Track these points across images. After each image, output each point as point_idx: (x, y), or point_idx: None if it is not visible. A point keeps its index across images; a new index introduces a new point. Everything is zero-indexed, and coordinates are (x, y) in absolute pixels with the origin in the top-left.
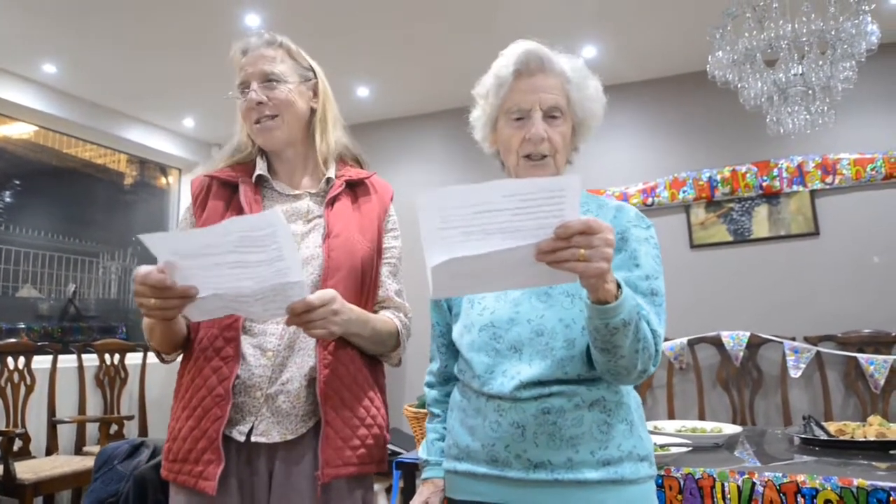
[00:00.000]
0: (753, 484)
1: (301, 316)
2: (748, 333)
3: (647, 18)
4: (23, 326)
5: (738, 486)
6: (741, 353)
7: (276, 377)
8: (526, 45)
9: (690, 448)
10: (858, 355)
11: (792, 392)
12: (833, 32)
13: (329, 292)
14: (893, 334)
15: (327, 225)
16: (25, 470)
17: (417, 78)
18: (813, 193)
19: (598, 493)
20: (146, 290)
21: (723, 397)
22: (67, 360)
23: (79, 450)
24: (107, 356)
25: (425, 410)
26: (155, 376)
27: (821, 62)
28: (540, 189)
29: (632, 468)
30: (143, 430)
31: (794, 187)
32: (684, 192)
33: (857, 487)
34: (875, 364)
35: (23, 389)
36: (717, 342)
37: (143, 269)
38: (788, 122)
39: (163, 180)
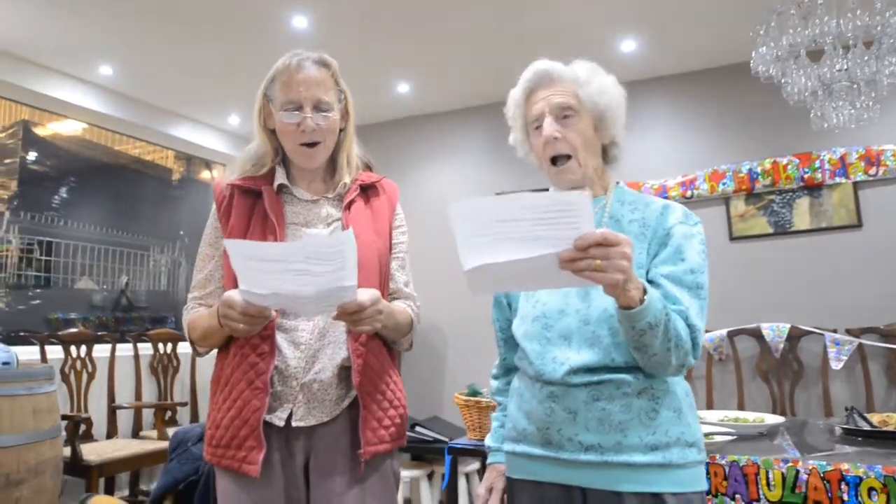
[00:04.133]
0: (797, 472)
1: (352, 315)
2: (788, 325)
3: (686, 12)
4: (79, 317)
5: (783, 474)
6: (781, 345)
7: (309, 367)
8: (535, 65)
9: (735, 437)
10: None
11: (833, 384)
12: (879, 28)
13: (375, 293)
14: None
15: (347, 227)
16: (90, 452)
17: (456, 74)
18: (856, 185)
19: (647, 475)
20: (239, 317)
21: (762, 389)
22: (124, 349)
23: (136, 434)
24: (160, 345)
25: (474, 398)
26: (205, 364)
27: (866, 57)
28: (553, 203)
29: (680, 453)
30: (195, 416)
31: (837, 179)
32: (724, 184)
33: None
34: None
35: (85, 377)
36: (756, 334)
37: (239, 301)
38: (833, 116)
39: (207, 175)
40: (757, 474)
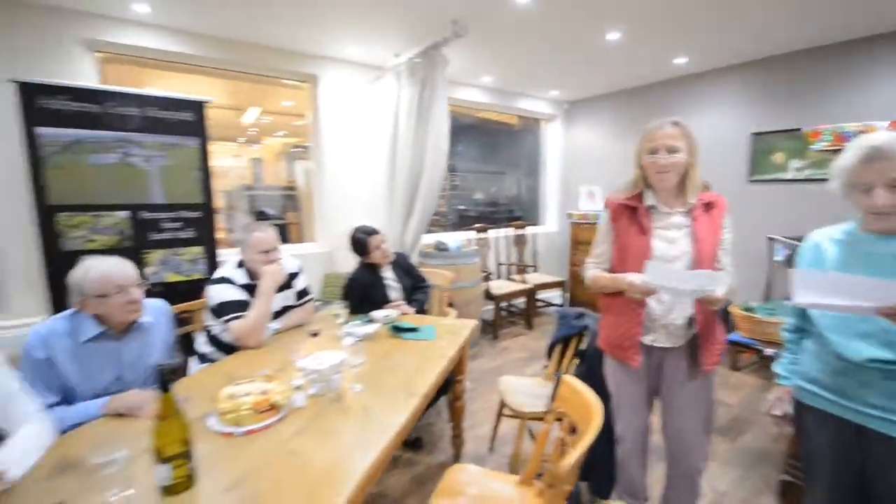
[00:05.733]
0: None
1: (710, 302)
2: None
3: None
4: (470, 209)
5: None
6: None
7: (667, 315)
8: (871, 140)
9: None
10: None
11: None
12: None
13: (725, 288)
14: None
15: (695, 233)
16: (492, 287)
17: (720, 43)
18: None
19: None
20: (638, 291)
21: None
22: (500, 232)
23: (508, 277)
24: (517, 230)
25: (748, 313)
26: (542, 242)
27: None
28: (876, 285)
29: None
30: (536, 269)
31: None
32: None
33: None
34: None
35: (485, 248)
36: None
37: (639, 284)
38: None
39: (535, 125)
40: None
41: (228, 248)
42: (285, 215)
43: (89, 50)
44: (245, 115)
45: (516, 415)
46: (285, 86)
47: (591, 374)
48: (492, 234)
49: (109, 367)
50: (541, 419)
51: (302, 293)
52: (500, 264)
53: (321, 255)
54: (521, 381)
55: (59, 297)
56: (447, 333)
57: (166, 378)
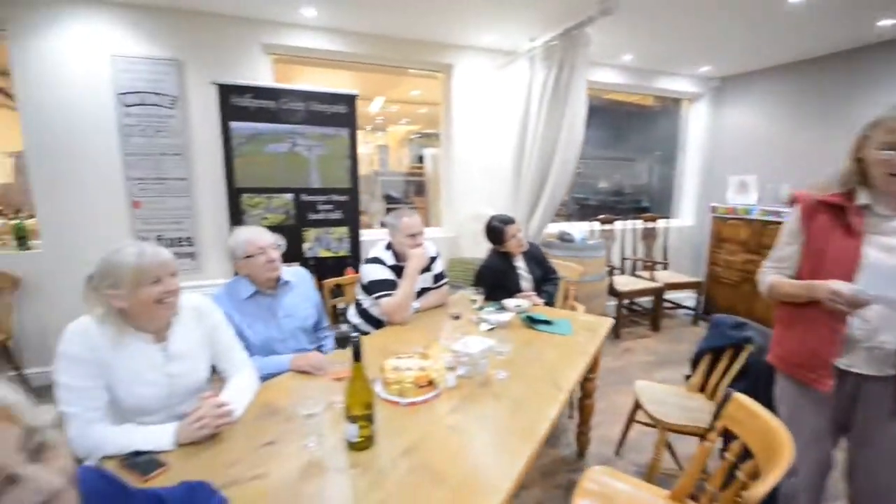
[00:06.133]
0: None
1: None
2: None
3: None
4: (589, 196)
5: None
6: None
7: (871, 337)
8: None
9: None
10: None
11: None
12: None
13: None
14: None
15: None
16: (617, 284)
17: None
18: None
19: None
20: (844, 303)
21: None
22: (627, 224)
23: (633, 273)
24: (646, 223)
25: None
26: (674, 236)
27: None
28: None
29: None
30: (665, 267)
31: None
32: None
33: None
34: None
35: (610, 241)
36: None
37: (846, 293)
38: None
39: (673, 106)
40: None
41: (365, 228)
42: (409, 199)
43: (266, 53)
44: (371, 104)
45: (655, 424)
46: (412, 75)
47: (755, 393)
48: (617, 225)
49: (267, 320)
50: (686, 432)
51: (439, 276)
52: (624, 259)
53: (447, 240)
54: (660, 387)
55: None
56: (583, 329)
57: (357, 348)
